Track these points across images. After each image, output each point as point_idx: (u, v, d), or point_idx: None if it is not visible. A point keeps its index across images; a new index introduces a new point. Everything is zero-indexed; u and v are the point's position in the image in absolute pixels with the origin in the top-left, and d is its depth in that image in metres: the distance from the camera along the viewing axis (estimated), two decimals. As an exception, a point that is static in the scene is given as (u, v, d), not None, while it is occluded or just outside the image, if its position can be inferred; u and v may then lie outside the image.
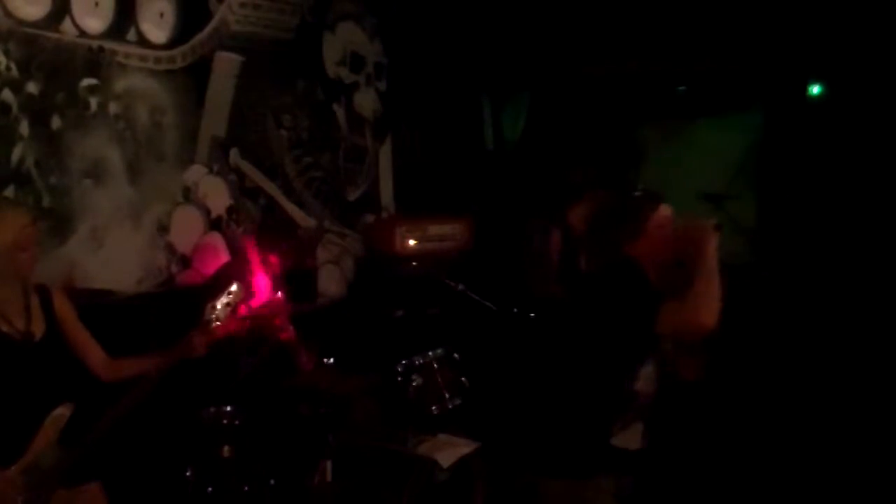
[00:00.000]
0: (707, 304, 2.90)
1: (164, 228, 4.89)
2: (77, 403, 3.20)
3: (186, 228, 5.04)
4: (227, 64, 5.26)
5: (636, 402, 3.61)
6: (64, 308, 3.29)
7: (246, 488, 3.97)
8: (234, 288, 3.50)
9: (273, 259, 4.93)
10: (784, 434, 5.12)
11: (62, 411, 3.15)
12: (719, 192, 6.35)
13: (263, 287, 4.87)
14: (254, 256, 4.93)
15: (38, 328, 3.18)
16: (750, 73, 6.45)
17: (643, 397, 3.69)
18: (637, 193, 3.37)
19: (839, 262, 5.96)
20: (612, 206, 3.34)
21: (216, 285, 4.58)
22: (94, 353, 3.36)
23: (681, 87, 6.73)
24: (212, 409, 4.07)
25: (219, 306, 3.43)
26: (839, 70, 6.17)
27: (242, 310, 3.84)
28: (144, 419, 3.62)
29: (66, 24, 4.35)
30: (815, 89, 6.35)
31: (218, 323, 3.40)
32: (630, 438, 3.80)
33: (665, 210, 3.22)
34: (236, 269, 4.91)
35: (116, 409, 3.24)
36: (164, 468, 3.99)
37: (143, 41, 4.74)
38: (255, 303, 4.63)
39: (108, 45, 4.56)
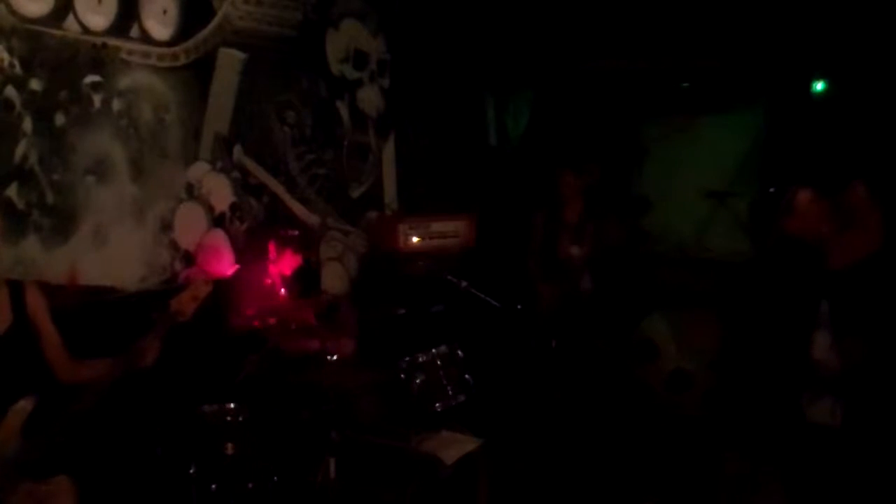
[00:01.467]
0: (874, 228, 3.53)
1: (167, 225, 4.89)
2: (40, 396, 3.22)
3: (190, 225, 5.04)
4: (230, 61, 5.26)
5: (818, 371, 3.71)
6: (36, 303, 3.33)
7: (249, 485, 3.96)
8: (202, 280, 3.50)
9: (281, 257, 4.96)
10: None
11: (24, 404, 3.17)
12: (722, 188, 6.34)
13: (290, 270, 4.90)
14: (283, 241, 4.96)
15: (3, 323, 3.22)
16: (753, 69, 6.44)
17: (824, 368, 3.75)
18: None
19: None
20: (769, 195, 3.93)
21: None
22: (57, 352, 3.39)
23: (684, 84, 6.71)
24: (215, 407, 4.08)
25: (183, 300, 3.43)
26: (843, 67, 6.15)
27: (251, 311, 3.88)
28: (148, 416, 3.64)
29: (70, 21, 4.35)
30: (819, 86, 6.33)
31: (183, 318, 3.41)
32: (821, 412, 3.82)
33: (806, 191, 3.77)
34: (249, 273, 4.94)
35: (80, 403, 3.26)
36: (167, 465, 3.99)
37: (146, 38, 4.73)
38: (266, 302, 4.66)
39: (112, 41, 4.55)
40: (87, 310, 3.44)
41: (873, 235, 3.62)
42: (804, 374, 3.56)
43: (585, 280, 5.49)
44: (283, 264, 4.99)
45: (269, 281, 5.01)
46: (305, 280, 5.46)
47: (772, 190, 6.18)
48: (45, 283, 3.77)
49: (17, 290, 3.30)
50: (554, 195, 5.67)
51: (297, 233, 5.23)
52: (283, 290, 5.09)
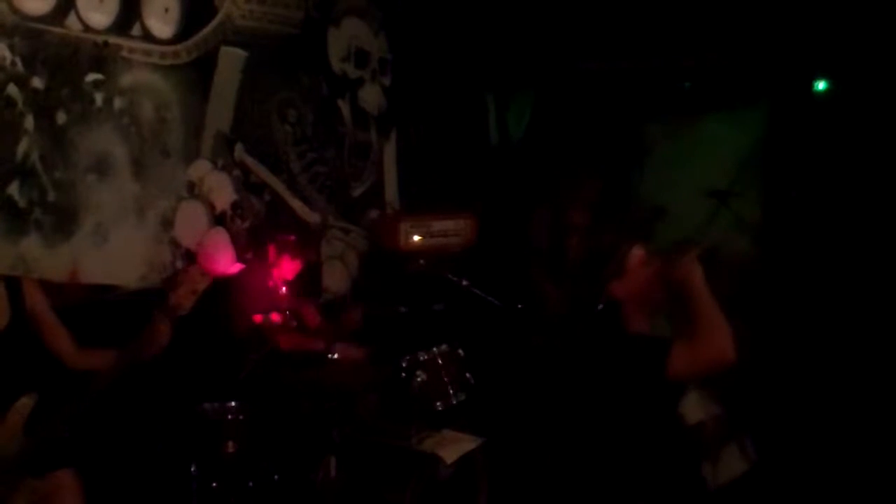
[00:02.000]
0: (717, 337, 2.79)
1: (168, 224, 4.89)
2: (41, 393, 3.22)
3: (191, 224, 5.04)
4: (231, 59, 5.26)
5: (705, 433, 3.53)
6: (34, 298, 3.34)
7: (250, 484, 3.97)
8: (199, 272, 3.47)
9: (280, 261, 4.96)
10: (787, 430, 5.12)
11: (25, 401, 3.17)
12: (724, 188, 6.33)
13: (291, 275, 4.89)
14: (281, 246, 4.96)
15: (3, 319, 3.22)
16: (755, 69, 6.43)
17: (710, 423, 3.59)
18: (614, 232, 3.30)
19: (845, 259, 5.95)
20: (597, 244, 3.26)
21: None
22: (63, 341, 3.39)
23: (686, 83, 6.71)
24: (216, 405, 4.08)
25: (182, 294, 3.42)
26: (845, 66, 6.14)
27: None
28: (149, 415, 3.64)
29: (72, 19, 4.35)
30: (821, 85, 6.33)
31: (183, 312, 3.40)
32: (731, 465, 3.69)
33: (639, 249, 3.13)
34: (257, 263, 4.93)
35: (79, 398, 3.26)
36: (168, 464, 3.99)
37: (148, 36, 4.73)
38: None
39: (114, 39, 4.55)
40: (88, 308, 3.43)
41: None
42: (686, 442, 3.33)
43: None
44: (283, 268, 4.99)
45: (270, 282, 5.01)
46: (307, 279, 5.46)
47: (793, 194, 6.19)
48: (46, 282, 3.76)
49: (14, 286, 3.30)
50: (561, 195, 5.63)
51: (293, 238, 5.21)
52: (284, 289, 5.09)
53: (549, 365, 5.04)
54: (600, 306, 3.09)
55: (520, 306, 5.05)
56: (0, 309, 3.24)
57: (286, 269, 5.02)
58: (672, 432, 3.14)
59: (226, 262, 5.08)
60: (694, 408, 3.49)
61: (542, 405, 5.06)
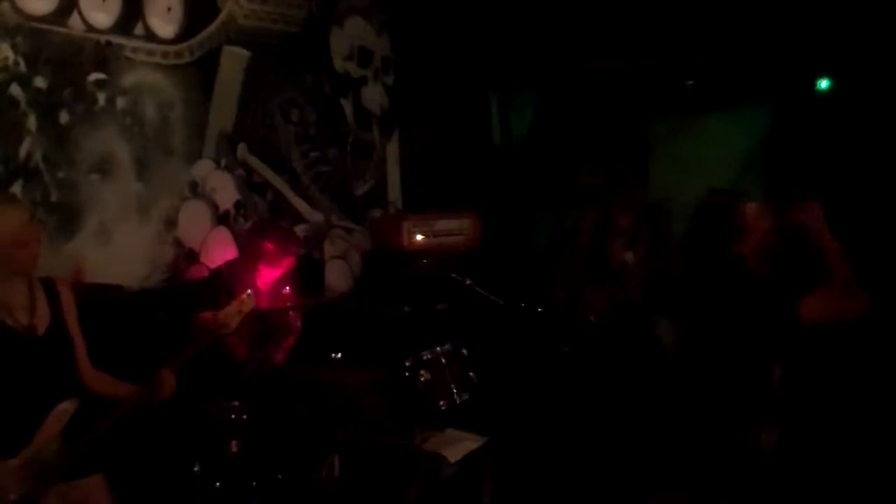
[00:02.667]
0: (853, 284, 3.03)
1: (171, 223, 4.90)
2: (82, 398, 3.20)
3: (194, 223, 5.04)
4: (234, 58, 5.26)
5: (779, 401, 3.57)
6: (69, 302, 3.29)
7: (253, 483, 3.97)
8: (245, 295, 3.49)
9: (278, 255, 4.93)
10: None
11: (67, 406, 3.15)
12: (728, 187, 6.32)
13: (268, 283, 4.86)
14: (259, 252, 4.93)
15: (42, 322, 3.18)
16: (758, 67, 6.42)
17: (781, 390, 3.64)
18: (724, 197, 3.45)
19: (850, 259, 5.93)
20: (712, 210, 3.36)
21: (218, 281, 4.60)
22: (82, 356, 3.35)
23: (689, 82, 6.70)
24: (219, 404, 4.08)
25: (229, 314, 3.43)
26: (847, 64, 6.13)
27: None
28: (151, 414, 3.63)
29: (74, 19, 4.36)
30: (824, 84, 6.32)
31: (228, 332, 3.40)
32: (769, 440, 3.74)
33: (751, 205, 3.36)
34: (241, 268, 4.91)
35: (119, 407, 3.25)
36: (171, 463, 3.99)
37: (150, 36, 4.74)
38: (263, 298, 4.63)
39: (116, 39, 4.56)
40: (91, 308, 3.42)
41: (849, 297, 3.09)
42: (762, 405, 3.38)
43: (636, 288, 5.31)
44: (263, 274, 4.95)
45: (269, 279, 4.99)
46: (308, 278, 5.46)
47: (796, 192, 6.16)
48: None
49: (51, 287, 3.26)
50: (608, 198, 5.52)
51: (271, 247, 5.19)
52: (287, 289, 5.08)
53: (579, 370, 5.01)
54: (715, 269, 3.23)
55: (523, 305, 5.04)
56: (39, 313, 3.18)
57: (266, 274, 4.98)
58: (764, 388, 3.28)
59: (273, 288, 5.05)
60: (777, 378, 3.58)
61: (561, 409, 5.05)
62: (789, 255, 3.22)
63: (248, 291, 3.56)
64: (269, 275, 4.81)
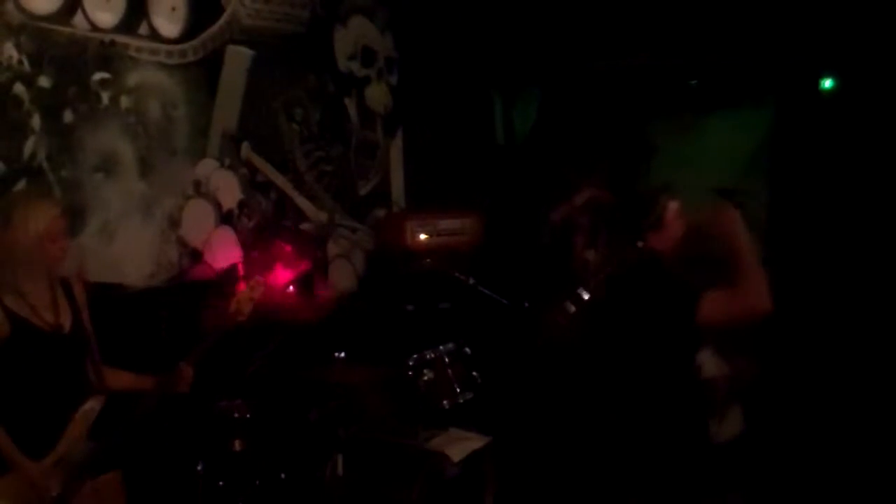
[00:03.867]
0: (758, 286, 2.90)
1: (175, 222, 4.90)
2: (106, 396, 3.22)
3: (197, 222, 5.04)
4: (238, 58, 5.26)
5: (717, 389, 3.57)
6: (83, 299, 3.31)
7: (257, 482, 3.97)
8: (254, 281, 3.52)
9: (296, 257, 4.96)
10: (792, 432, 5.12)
11: (93, 404, 3.17)
12: (730, 186, 6.30)
13: (281, 284, 4.89)
14: (276, 253, 4.96)
15: (66, 320, 3.19)
16: (761, 66, 6.41)
17: (721, 381, 3.64)
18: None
19: (853, 259, 5.93)
20: (629, 202, 3.34)
21: (227, 282, 4.61)
22: (97, 353, 3.35)
23: (692, 81, 6.69)
24: (223, 403, 4.08)
25: (242, 300, 3.45)
26: (852, 63, 6.12)
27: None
28: (156, 413, 3.63)
29: (78, 18, 4.36)
30: (828, 83, 6.30)
31: (242, 318, 3.42)
32: (734, 425, 3.75)
33: (674, 203, 3.20)
34: (252, 266, 4.93)
35: (144, 402, 3.26)
36: (175, 462, 3.99)
37: (154, 35, 4.74)
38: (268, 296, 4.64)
39: (120, 38, 4.56)
40: (95, 306, 3.42)
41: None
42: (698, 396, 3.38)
43: (601, 286, 5.34)
44: (277, 275, 4.97)
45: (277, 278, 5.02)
46: (311, 277, 5.47)
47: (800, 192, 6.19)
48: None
49: (67, 286, 3.28)
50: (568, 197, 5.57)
51: (289, 248, 5.20)
52: (291, 288, 5.09)
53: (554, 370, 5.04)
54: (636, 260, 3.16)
55: (526, 305, 5.04)
56: (62, 310, 3.20)
57: (281, 276, 5.01)
58: (689, 381, 3.23)
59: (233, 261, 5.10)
60: (709, 363, 3.55)
61: (558, 407, 5.06)
62: (699, 256, 3.21)
63: (258, 277, 3.59)
64: (282, 276, 4.84)
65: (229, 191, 5.25)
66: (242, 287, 3.62)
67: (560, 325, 5.23)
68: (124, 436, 3.22)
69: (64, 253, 3.17)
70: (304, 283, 5.17)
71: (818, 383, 5.47)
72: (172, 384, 3.32)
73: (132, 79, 4.63)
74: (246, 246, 5.25)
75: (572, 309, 5.20)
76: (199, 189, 5.06)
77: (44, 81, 4.21)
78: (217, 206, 5.18)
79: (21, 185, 4.11)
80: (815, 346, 5.61)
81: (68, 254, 3.23)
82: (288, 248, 5.14)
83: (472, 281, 5.04)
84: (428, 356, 4.64)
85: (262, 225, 5.39)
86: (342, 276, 6.07)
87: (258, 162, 5.43)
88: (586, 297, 5.18)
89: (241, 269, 4.84)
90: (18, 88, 4.11)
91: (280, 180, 5.59)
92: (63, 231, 3.16)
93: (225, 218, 5.22)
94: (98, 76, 4.46)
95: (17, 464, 2.99)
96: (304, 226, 5.78)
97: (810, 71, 6.33)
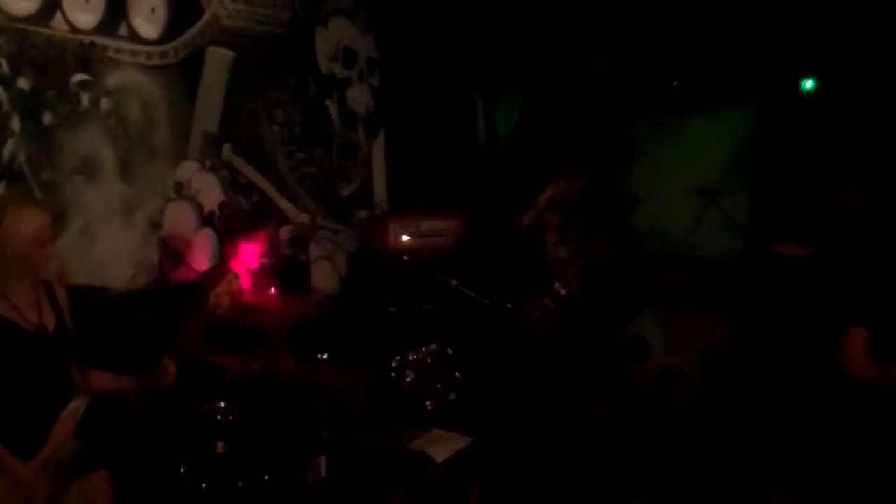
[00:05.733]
0: None
1: (156, 224, 4.88)
2: (91, 396, 3.22)
3: (179, 224, 5.03)
4: (219, 59, 5.25)
5: None
6: (65, 302, 3.31)
7: (240, 484, 3.96)
8: (231, 274, 3.52)
9: (261, 254, 4.93)
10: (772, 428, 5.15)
11: (77, 404, 3.17)
12: (712, 187, 6.35)
13: (253, 264, 4.86)
14: (244, 254, 4.93)
15: (50, 321, 3.20)
16: (743, 67, 6.45)
17: None
18: None
19: (832, 258, 5.96)
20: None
21: (207, 284, 4.59)
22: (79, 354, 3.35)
23: (674, 82, 6.72)
24: (205, 405, 4.07)
25: (220, 294, 3.45)
26: (832, 64, 6.16)
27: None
28: (138, 414, 3.62)
29: (58, 20, 4.34)
30: (809, 84, 6.35)
31: (220, 311, 3.42)
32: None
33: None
34: (225, 269, 4.91)
35: (128, 400, 3.26)
36: (157, 464, 3.98)
37: (134, 36, 4.72)
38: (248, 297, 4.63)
39: (100, 40, 4.54)
40: (76, 309, 3.41)
41: None
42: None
43: (574, 281, 5.41)
44: (245, 258, 4.93)
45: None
46: (294, 278, 5.46)
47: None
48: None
49: (49, 288, 3.27)
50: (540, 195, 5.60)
51: (242, 223, 5.17)
52: (273, 290, 5.07)
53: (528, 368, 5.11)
54: None
55: (509, 305, 5.06)
56: (46, 312, 3.20)
57: (245, 254, 4.96)
58: None
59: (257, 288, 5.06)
60: None
61: (538, 406, 5.12)
62: None
63: (233, 270, 3.59)
64: (248, 254, 4.79)
65: (211, 192, 5.24)
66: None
67: (539, 322, 5.31)
68: (110, 435, 3.21)
69: (50, 259, 3.19)
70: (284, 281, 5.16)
71: (799, 380, 5.50)
72: (155, 380, 3.32)
73: (112, 80, 4.61)
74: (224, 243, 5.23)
75: (551, 305, 5.30)
76: (181, 191, 5.05)
77: (23, 83, 4.19)
78: (198, 207, 5.16)
79: (1, 187, 4.08)
80: (795, 346, 5.64)
81: (52, 258, 3.24)
82: (244, 234, 5.10)
83: (454, 282, 5.04)
84: (411, 357, 4.64)
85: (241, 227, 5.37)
86: (325, 278, 6.06)
87: (239, 164, 5.41)
88: (563, 292, 5.28)
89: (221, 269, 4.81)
90: (-3, 90, 4.09)
91: (262, 182, 5.58)
92: (51, 236, 3.18)
93: (206, 220, 5.21)
94: (78, 78, 4.44)
95: (7, 464, 2.99)
96: (285, 227, 5.77)
97: (791, 72, 6.38)
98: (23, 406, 3.06)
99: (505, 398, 5.26)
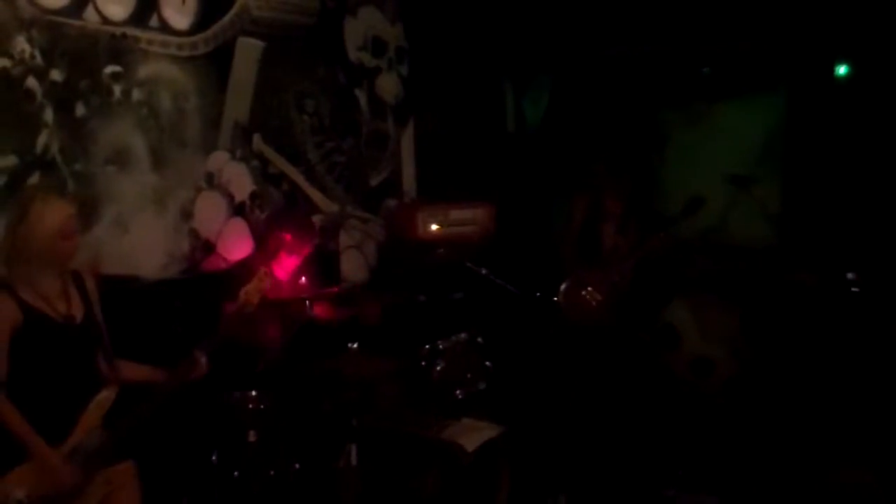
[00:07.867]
0: None
1: (187, 214, 4.91)
2: (119, 387, 3.25)
3: (210, 214, 5.05)
4: (249, 49, 5.26)
5: None
6: (94, 292, 3.34)
7: (271, 473, 3.98)
8: (262, 272, 3.56)
9: (297, 244, 4.96)
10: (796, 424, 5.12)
11: (107, 394, 3.21)
12: (744, 174, 6.28)
13: (288, 272, 4.90)
14: (278, 243, 4.97)
15: (78, 311, 3.24)
16: (775, 53, 6.37)
17: None
18: None
19: (866, 247, 5.89)
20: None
21: (241, 274, 4.63)
22: (109, 344, 3.38)
23: (705, 69, 6.65)
24: (237, 394, 4.09)
25: (250, 291, 3.50)
26: (866, 50, 6.08)
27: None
28: (170, 404, 3.65)
29: (90, 12, 4.37)
30: (842, 69, 6.26)
31: (250, 308, 3.46)
32: None
33: None
34: (261, 258, 4.95)
35: (157, 392, 3.29)
36: (189, 453, 4.01)
37: (165, 28, 4.74)
38: (281, 288, 4.66)
39: (131, 31, 4.57)
40: (109, 298, 3.44)
41: None
42: None
43: (629, 272, 5.38)
44: (282, 264, 4.99)
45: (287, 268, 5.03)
46: (323, 267, 5.48)
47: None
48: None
49: (78, 279, 3.32)
50: (598, 183, 5.57)
51: (289, 237, 5.21)
52: (303, 279, 5.10)
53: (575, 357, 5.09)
54: None
55: (538, 294, 5.04)
56: (74, 302, 3.24)
57: (285, 263, 5.02)
58: None
59: (245, 252, 5.11)
60: None
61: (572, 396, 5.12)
62: None
63: (264, 269, 3.64)
64: (288, 263, 4.85)
65: (241, 183, 5.26)
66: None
67: (589, 310, 5.31)
68: (137, 426, 3.24)
69: (75, 250, 3.22)
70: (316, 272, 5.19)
71: (832, 369, 5.45)
72: (187, 372, 3.35)
73: (143, 71, 4.64)
74: (257, 237, 5.26)
75: (604, 292, 5.30)
76: (211, 181, 5.07)
77: (56, 75, 4.22)
78: (229, 197, 5.18)
79: (34, 178, 4.12)
80: (828, 333, 5.58)
81: (79, 249, 3.27)
82: (288, 236, 5.14)
83: (484, 271, 5.04)
84: (441, 346, 4.65)
85: (270, 216, 5.40)
86: (354, 267, 6.07)
87: (270, 154, 5.43)
88: (618, 280, 5.28)
89: (253, 261, 4.85)
90: (31, 82, 4.12)
91: (292, 172, 5.59)
92: (76, 229, 3.23)
93: (237, 210, 5.23)
94: (110, 69, 4.47)
95: (38, 451, 3.03)
96: (315, 217, 5.79)
97: (824, 57, 6.29)
98: (50, 394, 3.11)
99: (536, 387, 5.26)
